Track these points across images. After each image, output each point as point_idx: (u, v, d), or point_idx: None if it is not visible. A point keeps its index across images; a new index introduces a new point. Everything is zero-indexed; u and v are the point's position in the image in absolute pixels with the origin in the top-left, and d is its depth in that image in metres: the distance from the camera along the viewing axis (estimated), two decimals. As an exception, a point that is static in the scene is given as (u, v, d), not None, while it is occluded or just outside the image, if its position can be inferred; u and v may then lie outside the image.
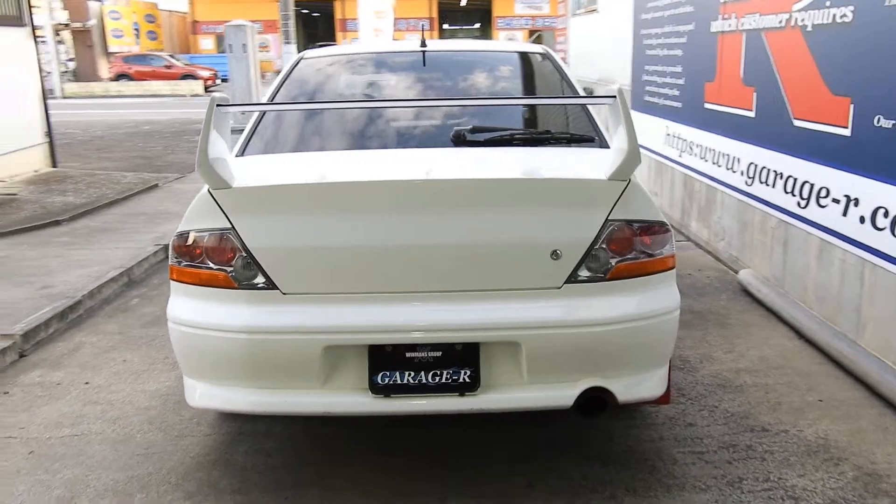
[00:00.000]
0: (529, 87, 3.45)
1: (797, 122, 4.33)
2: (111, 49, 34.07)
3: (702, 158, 5.90)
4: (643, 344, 2.57)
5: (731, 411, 3.29)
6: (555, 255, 2.46)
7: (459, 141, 2.94)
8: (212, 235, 2.49)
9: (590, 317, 2.47)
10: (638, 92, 7.66)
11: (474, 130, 2.93)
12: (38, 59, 10.20)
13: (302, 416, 3.06)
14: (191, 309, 2.55)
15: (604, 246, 2.50)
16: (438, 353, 2.50)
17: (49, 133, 10.26)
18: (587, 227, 2.47)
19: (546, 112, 3.25)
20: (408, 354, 2.50)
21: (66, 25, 30.59)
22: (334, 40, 35.85)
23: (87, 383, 3.71)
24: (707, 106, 5.74)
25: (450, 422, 3.03)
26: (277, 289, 2.48)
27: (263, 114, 3.16)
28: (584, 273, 2.50)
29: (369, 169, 2.72)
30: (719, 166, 5.53)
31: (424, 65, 3.40)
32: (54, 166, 10.30)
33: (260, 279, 2.48)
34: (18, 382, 3.75)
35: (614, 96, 2.34)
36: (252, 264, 2.47)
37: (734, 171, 5.25)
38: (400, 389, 2.49)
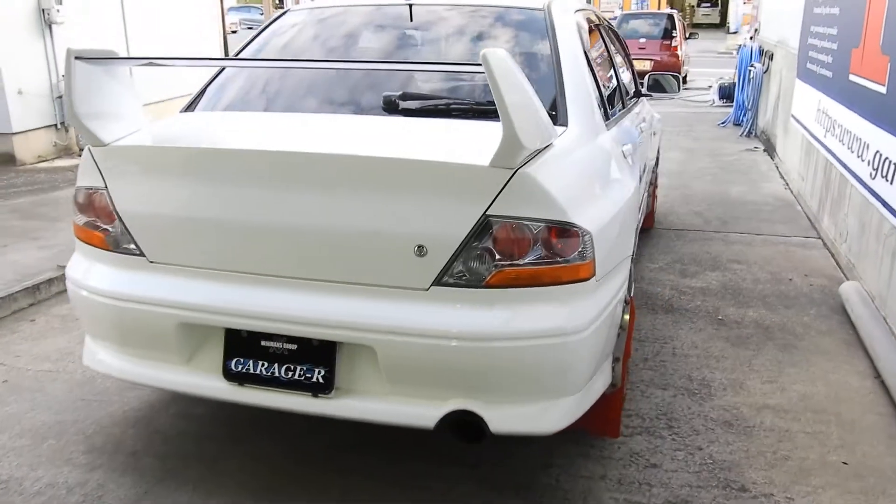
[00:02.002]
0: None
1: (920, 104, 3.38)
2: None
3: (840, 141, 4.88)
4: (531, 368, 2.12)
5: (715, 458, 2.68)
6: (420, 251, 2.08)
7: (391, 108, 2.59)
8: (92, 193, 2.41)
9: (456, 328, 2.07)
10: (803, 57, 6.53)
11: (405, 97, 2.57)
12: (222, 5, 10.96)
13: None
14: (80, 268, 2.52)
15: (486, 245, 2.07)
16: (294, 347, 2.25)
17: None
18: (459, 222, 2.06)
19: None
20: (263, 343, 2.27)
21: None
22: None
23: (100, 321, 3.89)
24: (851, 77, 4.71)
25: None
26: (144, 256, 2.36)
27: (221, 70, 3.01)
28: (458, 276, 2.09)
29: (259, 135, 2.48)
30: (852, 152, 4.53)
31: (411, 20, 3.04)
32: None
33: (132, 244, 2.38)
34: (49, 313, 4.04)
35: (479, 63, 1.88)
36: (124, 227, 2.37)
37: (863, 160, 4.27)
38: (252, 379, 2.28)
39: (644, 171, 4.33)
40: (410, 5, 3.05)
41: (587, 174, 2.39)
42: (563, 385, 2.18)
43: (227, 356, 2.30)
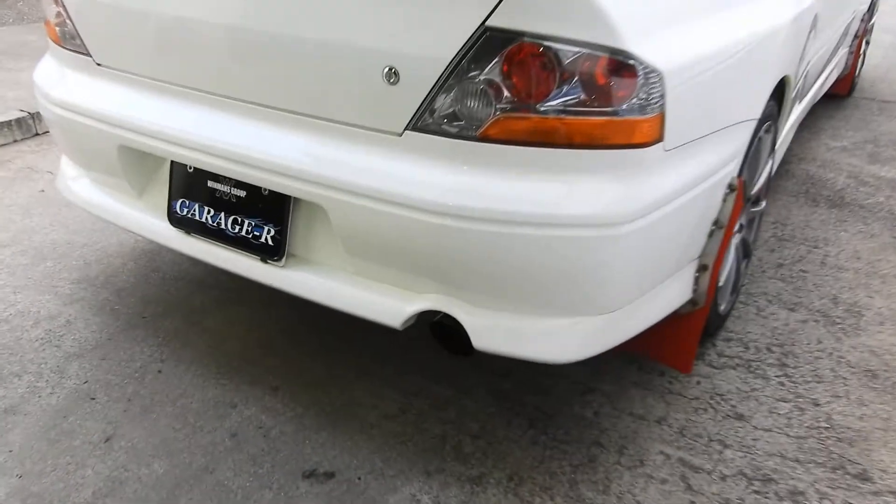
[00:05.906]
0: None
1: None
2: None
3: None
4: (536, 268, 1.42)
5: (835, 422, 1.89)
6: (391, 75, 1.40)
7: None
8: (45, -28, 1.91)
9: (430, 195, 1.40)
10: None
11: None
12: None
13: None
14: (41, 69, 2.07)
15: (488, 76, 1.34)
16: (243, 193, 1.70)
17: None
18: (447, 35, 1.34)
19: None
20: (210, 183, 1.74)
21: None
22: None
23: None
24: None
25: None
26: (91, 56, 1.86)
27: None
28: (442, 118, 1.40)
29: None
30: None
31: None
32: None
33: (77, 38, 1.88)
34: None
35: None
36: (67, 15, 1.87)
37: None
38: (197, 228, 1.78)
39: (844, 19, 3.22)
40: None
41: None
42: (588, 299, 1.47)
43: (172, 195, 1.81)
